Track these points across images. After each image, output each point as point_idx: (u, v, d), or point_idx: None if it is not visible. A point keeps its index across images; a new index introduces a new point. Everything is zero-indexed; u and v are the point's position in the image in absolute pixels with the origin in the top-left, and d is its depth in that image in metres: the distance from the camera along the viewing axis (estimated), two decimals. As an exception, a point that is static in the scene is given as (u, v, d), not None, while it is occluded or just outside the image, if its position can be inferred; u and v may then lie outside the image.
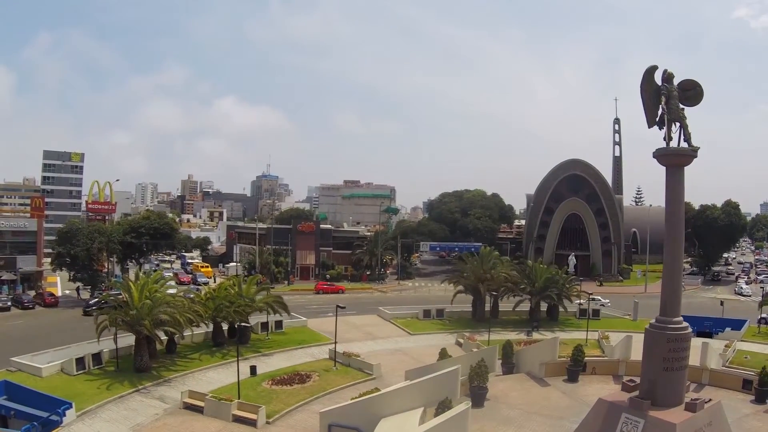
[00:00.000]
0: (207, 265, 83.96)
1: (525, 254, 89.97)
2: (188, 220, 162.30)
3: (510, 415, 24.21)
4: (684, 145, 21.00)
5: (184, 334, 34.67)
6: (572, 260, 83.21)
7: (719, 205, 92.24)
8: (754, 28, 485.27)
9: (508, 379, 30.26)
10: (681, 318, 20.72)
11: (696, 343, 40.54)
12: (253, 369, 31.71)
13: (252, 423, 23.76)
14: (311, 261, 76.82)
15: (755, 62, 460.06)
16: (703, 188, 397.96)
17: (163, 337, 34.34)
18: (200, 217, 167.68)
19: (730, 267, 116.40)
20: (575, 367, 29.74)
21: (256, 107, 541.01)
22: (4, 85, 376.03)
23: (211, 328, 37.86)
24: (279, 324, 42.86)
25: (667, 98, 20.75)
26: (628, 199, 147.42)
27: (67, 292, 66.57)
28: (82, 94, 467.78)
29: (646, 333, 20.87)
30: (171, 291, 39.72)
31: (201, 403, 25.25)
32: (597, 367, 31.42)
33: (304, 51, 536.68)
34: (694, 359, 30.91)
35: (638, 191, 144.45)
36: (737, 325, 45.46)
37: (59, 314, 53.55)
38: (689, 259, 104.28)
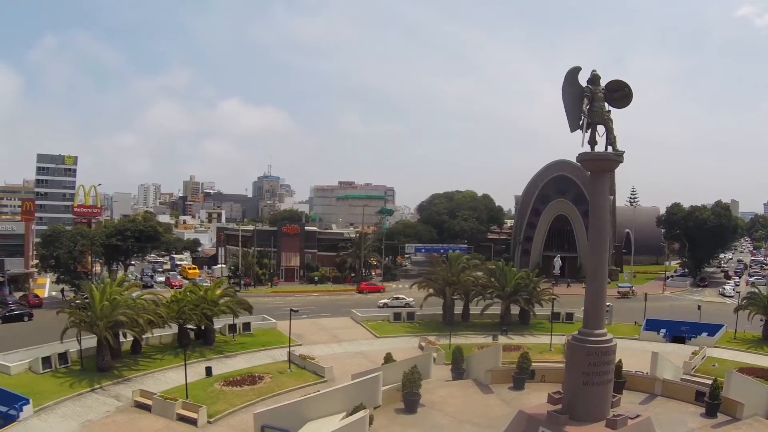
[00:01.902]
0: (194, 266, 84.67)
1: (512, 256, 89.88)
2: (184, 222, 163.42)
3: (440, 422, 24.17)
4: (610, 149, 20.36)
5: (149, 335, 35.78)
6: (557, 262, 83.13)
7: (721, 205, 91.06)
8: (758, 27, 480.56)
9: (454, 385, 30.13)
10: (605, 330, 20.10)
11: (667, 349, 40.88)
12: (208, 370, 32.35)
13: (193, 422, 24.52)
14: (296, 263, 77.23)
15: (759, 60, 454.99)
16: (704, 188, 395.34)
17: (128, 338, 34.87)
18: (199, 218, 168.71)
19: (726, 267, 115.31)
20: (521, 375, 29.19)
21: (260, 108, 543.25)
22: (10, 87, 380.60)
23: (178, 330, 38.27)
24: (247, 326, 43.37)
25: (591, 100, 19.76)
26: (622, 199, 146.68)
27: (54, 293, 67.53)
28: (87, 96, 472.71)
29: (568, 345, 20.47)
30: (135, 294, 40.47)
31: (150, 402, 26.12)
32: (546, 374, 30.77)
33: (307, 52, 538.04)
34: (646, 368, 30.88)
35: (633, 191, 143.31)
36: (714, 330, 44.42)
37: (42, 315, 54.32)
38: (679, 261, 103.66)
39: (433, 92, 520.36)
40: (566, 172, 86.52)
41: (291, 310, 35.84)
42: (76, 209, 79.96)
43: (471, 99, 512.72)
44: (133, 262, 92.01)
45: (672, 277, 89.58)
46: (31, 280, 72.45)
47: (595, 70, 20.54)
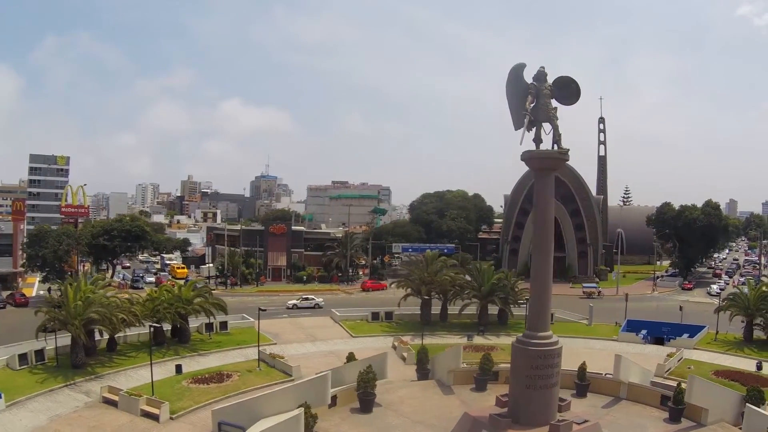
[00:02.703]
0: (183, 266, 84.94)
1: (500, 256, 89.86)
2: (178, 222, 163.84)
3: (393, 422, 24.19)
4: (556, 147, 19.74)
5: (122, 333, 36.38)
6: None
7: (723, 204, 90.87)
8: (758, 26, 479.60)
9: (416, 385, 30.12)
10: (550, 333, 19.49)
11: (645, 350, 40.55)
12: (178, 367, 32.95)
13: (156, 417, 25.09)
14: (283, 262, 77.36)
15: (759, 60, 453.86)
16: (704, 187, 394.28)
17: (105, 336, 35.63)
18: (194, 218, 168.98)
19: (720, 266, 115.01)
20: (483, 376, 28.95)
21: (261, 108, 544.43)
22: (12, 88, 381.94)
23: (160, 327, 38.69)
24: (224, 325, 43.65)
25: (536, 97, 19.16)
26: (615, 199, 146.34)
27: (42, 292, 67.93)
28: (88, 96, 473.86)
29: (512, 348, 19.92)
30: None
31: (116, 398, 26.86)
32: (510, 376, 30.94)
33: (308, 52, 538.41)
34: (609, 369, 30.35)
35: (626, 191, 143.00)
36: (695, 331, 43.78)
37: (27, 313, 54.67)
38: (669, 261, 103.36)
39: (433, 92, 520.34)
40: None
41: (259, 309, 36.12)
42: (63, 209, 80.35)
43: (471, 98, 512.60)
44: (127, 264, 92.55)
45: (661, 277, 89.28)
46: (20, 279, 72.92)
47: (542, 67, 19.90)
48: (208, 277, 76.06)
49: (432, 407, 25.65)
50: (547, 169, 19.52)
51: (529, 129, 19.45)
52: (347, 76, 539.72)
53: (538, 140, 19.55)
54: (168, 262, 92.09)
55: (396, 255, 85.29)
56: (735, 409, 24.87)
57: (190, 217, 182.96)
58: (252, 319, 47.18)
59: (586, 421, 19.46)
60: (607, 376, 30.02)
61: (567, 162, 19.92)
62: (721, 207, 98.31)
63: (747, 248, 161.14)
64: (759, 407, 23.82)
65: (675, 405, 25.26)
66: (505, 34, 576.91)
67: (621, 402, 27.85)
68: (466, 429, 19.52)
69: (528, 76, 20.20)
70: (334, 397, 25.55)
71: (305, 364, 34.04)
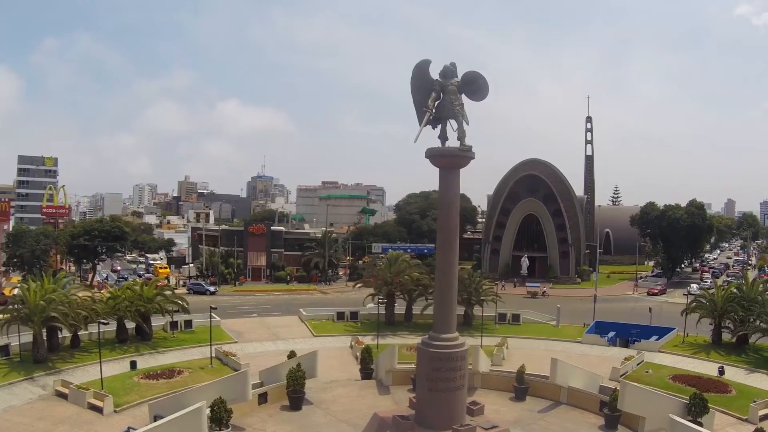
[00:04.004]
0: (165, 266, 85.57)
1: (481, 256, 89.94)
2: (168, 222, 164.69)
3: (318, 421, 24.38)
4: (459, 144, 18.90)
5: (85, 330, 37.13)
6: (525, 262, 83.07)
7: (721, 204, 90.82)
8: (756, 26, 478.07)
9: (356, 385, 30.26)
10: (455, 335, 19.15)
11: (608, 353, 39.33)
12: (133, 364, 33.77)
13: (100, 410, 25.90)
14: (262, 262, 77.74)
15: (757, 59, 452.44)
16: (704, 187, 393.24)
17: (69, 334, 36.55)
18: (187, 219, 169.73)
19: (712, 265, 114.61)
20: None
21: (259, 109, 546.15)
22: (12, 90, 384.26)
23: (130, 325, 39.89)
24: (189, 323, 44.03)
25: (441, 94, 18.92)
26: (604, 198, 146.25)
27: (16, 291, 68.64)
28: (87, 97, 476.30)
29: (417, 350, 19.74)
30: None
31: (67, 391, 27.79)
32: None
33: (306, 52, 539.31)
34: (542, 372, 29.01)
35: (616, 190, 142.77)
36: (665, 333, 42.36)
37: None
38: (652, 261, 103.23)
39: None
40: (536, 171, 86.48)
41: (210, 307, 36.55)
42: (44, 210, 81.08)
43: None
44: (118, 266, 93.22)
45: (644, 277, 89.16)
46: (4, 279, 73.63)
47: (452, 63, 19.62)
48: (189, 277, 76.62)
49: (362, 407, 25.66)
50: (451, 166, 19.19)
51: (434, 126, 19.39)
52: (346, 76, 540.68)
53: (443, 137, 19.34)
54: (152, 262, 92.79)
55: (376, 255, 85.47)
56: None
57: (183, 217, 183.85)
58: (218, 318, 47.77)
59: (495, 427, 19.00)
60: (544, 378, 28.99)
61: (473, 159, 19.35)
62: (713, 207, 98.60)
63: (739, 248, 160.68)
64: (701, 416, 22.98)
65: (611, 412, 24.30)
66: (505, 35, 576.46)
67: (560, 407, 27.19)
68: (373, 429, 19.56)
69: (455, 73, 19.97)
70: (264, 394, 25.84)
71: (259, 363, 34.14)
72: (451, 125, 19.35)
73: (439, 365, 18.45)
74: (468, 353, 19.91)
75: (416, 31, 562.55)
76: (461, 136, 19.03)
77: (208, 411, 21.00)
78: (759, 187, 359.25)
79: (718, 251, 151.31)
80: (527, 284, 74.96)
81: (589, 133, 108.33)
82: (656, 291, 76.68)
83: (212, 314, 48.18)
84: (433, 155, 19.19)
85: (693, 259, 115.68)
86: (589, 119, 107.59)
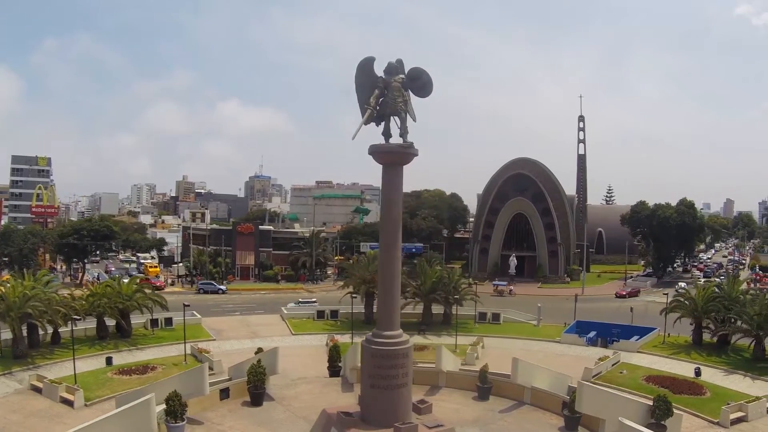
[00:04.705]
0: (155, 265, 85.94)
1: (471, 255, 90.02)
2: (163, 222, 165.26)
3: (277, 416, 24.61)
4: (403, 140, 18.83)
5: (71, 327, 37.50)
6: (513, 261, 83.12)
7: (721, 203, 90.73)
8: (756, 26, 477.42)
9: (321, 382, 30.46)
10: (398, 332, 19.05)
11: (586, 353, 38.78)
12: (108, 360, 34.36)
13: (71, 404, 26.51)
14: (251, 261, 78.04)
15: (757, 59, 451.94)
16: (703, 187, 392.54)
17: (50, 330, 37.07)
18: (182, 218, 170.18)
19: (700, 266, 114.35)
20: None
21: (259, 109, 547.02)
22: (12, 90, 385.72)
23: (113, 322, 40.46)
24: (170, 321, 44.34)
25: (384, 91, 18.88)
26: (597, 198, 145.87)
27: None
28: (88, 98, 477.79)
29: (361, 347, 19.80)
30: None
31: (41, 385, 28.51)
32: (415, 376, 30.15)
33: (307, 52, 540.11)
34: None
35: (609, 190, 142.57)
36: (646, 333, 41.89)
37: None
38: (643, 261, 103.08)
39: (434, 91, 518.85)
40: (525, 170, 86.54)
41: (184, 304, 36.87)
42: (33, 209, 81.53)
43: (470, 98, 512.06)
44: (111, 266, 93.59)
45: (633, 277, 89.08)
46: (-5, 277, 74.19)
47: (399, 60, 19.59)
48: (178, 276, 77.00)
49: (323, 403, 25.20)
50: (393, 163, 19.10)
51: (378, 123, 19.42)
52: (346, 76, 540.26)
53: (387, 134, 19.30)
54: (142, 261, 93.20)
55: (364, 254, 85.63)
56: (640, 421, 22.00)
57: (179, 217, 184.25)
58: (199, 316, 48.11)
59: (439, 426, 18.71)
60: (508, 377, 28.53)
61: (416, 156, 19.28)
62: (712, 207, 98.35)
63: (734, 247, 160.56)
64: (665, 419, 22.40)
65: (571, 413, 23.71)
66: (505, 34, 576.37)
67: (523, 407, 26.76)
68: (321, 424, 19.71)
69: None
70: (227, 390, 26.18)
71: (234, 359, 34.29)
72: (396, 122, 19.34)
73: (380, 362, 18.39)
74: (411, 351, 19.73)
75: (416, 31, 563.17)
76: (404, 132, 19.06)
77: (163, 405, 21.34)
78: (758, 187, 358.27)
79: (713, 251, 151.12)
80: (494, 282, 74.12)
81: (581, 132, 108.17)
82: (624, 294, 71.76)
83: (194, 312, 49.00)
84: (375, 152, 19.18)
85: (687, 259, 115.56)
86: (581, 118, 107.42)
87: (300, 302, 56.18)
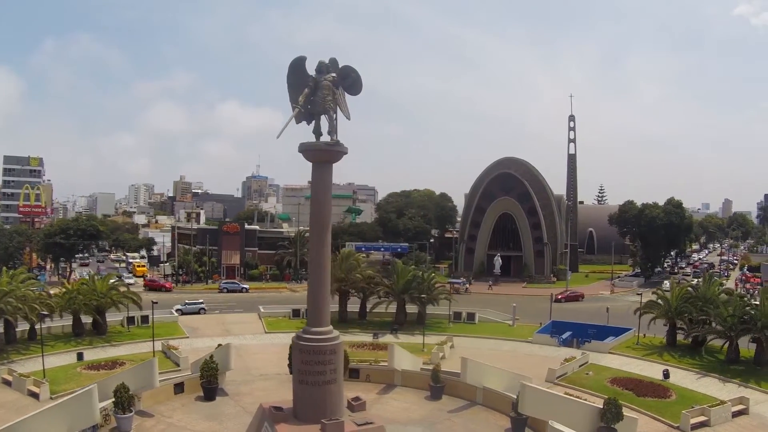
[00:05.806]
0: (143, 265, 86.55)
1: (457, 254, 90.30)
2: (156, 221, 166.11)
3: (227, 411, 25.06)
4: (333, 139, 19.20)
5: (48, 323, 38.81)
6: (497, 261, 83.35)
7: (720, 203, 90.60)
8: (755, 25, 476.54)
9: (279, 379, 30.63)
10: (327, 329, 19.22)
11: (556, 353, 37.97)
12: (80, 355, 35.21)
13: (37, 396, 27.25)
14: (236, 261, 78.53)
15: (757, 59, 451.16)
16: (702, 187, 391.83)
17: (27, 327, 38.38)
18: (177, 218, 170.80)
19: (691, 266, 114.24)
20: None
21: (258, 109, 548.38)
22: (12, 91, 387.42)
23: (90, 319, 41.14)
24: (146, 318, 44.83)
25: (314, 90, 19.21)
26: (589, 197, 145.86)
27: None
28: (88, 98, 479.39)
29: (291, 343, 20.11)
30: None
31: (11, 379, 29.39)
32: (372, 374, 30.28)
33: (306, 53, 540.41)
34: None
35: (601, 189, 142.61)
36: (620, 333, 41.59)
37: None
38: (631, 261, 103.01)
39: (427, 91, 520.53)
40: (511, 169, 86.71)
41: (152, 302, 37.46)
42: (20, 209, 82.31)
43: (470, 98, 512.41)
44: (102, 266, 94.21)
45: (620, 277, 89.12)
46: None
47: (332, 59, 19.95)
48: (165, 275, 77.53)
49: (273, 399, 25.72)
50: (322, 160, 19.51)
51: (309, 121, 19.78)
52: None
53: (317, 132, 19.67)
54: (131, 260, 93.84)
55: (336, 252, 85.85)
56: (589, 425, 21.68)
57: (175, 217, 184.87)
58: (176, 314, 48.91)
59: (369, 423, 18.69)
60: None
61: (345, 154, 19.74)
62: (711, 207, 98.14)
63: (727, 247, 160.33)
64: (615, 423, 21.54)
65: (517, 415, 23.41)
66: (505, 34, 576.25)
67: (474, 407, 26.60)
68: (257, 419, 20.02)
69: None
70: (181, 384, 26.75)
71: (200, 356, 35.01)
72: (327, 120, 19.67)
73: (308, 358, 18.59)
74: (341, 347, 19.88)
75: (416, 31, 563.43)
76: (332, 130, 19.40)
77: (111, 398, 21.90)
78: (757, 187, 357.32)
79: (707, 251, 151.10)
80: (449, 280, 73.04)
81: (572, 132, 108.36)
82: (560, 298, 65.54)
83: (172, 311, 49.73)
84: (304, 150, 19.52)
85: (678, 259, 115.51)
86: (572, 118, 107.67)
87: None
